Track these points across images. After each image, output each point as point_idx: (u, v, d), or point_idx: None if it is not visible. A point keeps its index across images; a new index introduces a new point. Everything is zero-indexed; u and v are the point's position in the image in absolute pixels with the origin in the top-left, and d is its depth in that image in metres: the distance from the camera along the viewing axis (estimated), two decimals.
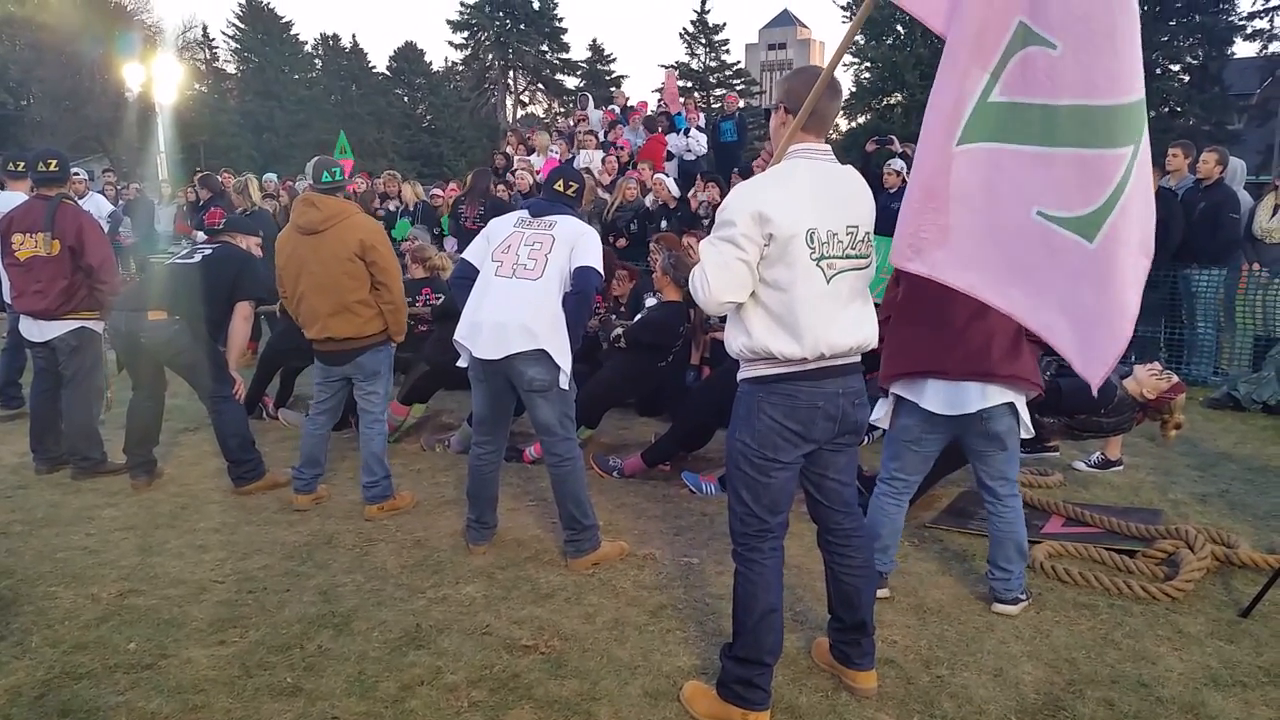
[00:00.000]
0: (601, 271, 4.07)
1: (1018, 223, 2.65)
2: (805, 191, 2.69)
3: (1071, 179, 2.57)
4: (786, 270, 2.65)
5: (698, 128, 12.50)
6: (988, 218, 2.71)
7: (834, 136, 3.00)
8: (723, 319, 2.95)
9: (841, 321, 2.71)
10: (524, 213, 4.19)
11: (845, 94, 36.84)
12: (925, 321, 3.46)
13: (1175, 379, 4.80)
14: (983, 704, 2.98)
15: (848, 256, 2.73)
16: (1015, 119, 2.64)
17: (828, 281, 2.67)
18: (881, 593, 3.65)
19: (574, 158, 11.64)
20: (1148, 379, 4.82)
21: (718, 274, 2.68)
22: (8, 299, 5.48)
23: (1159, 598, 3.71)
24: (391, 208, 10.84)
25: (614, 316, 6.55)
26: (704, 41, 55.31)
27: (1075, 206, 2.56)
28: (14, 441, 5.86)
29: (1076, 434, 5.11)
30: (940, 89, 2.76)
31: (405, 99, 52.58)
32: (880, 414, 3.83)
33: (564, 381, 3.94)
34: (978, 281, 2.77)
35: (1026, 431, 3.59)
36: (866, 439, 5.43)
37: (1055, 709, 2.95)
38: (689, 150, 12.05)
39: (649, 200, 9.92)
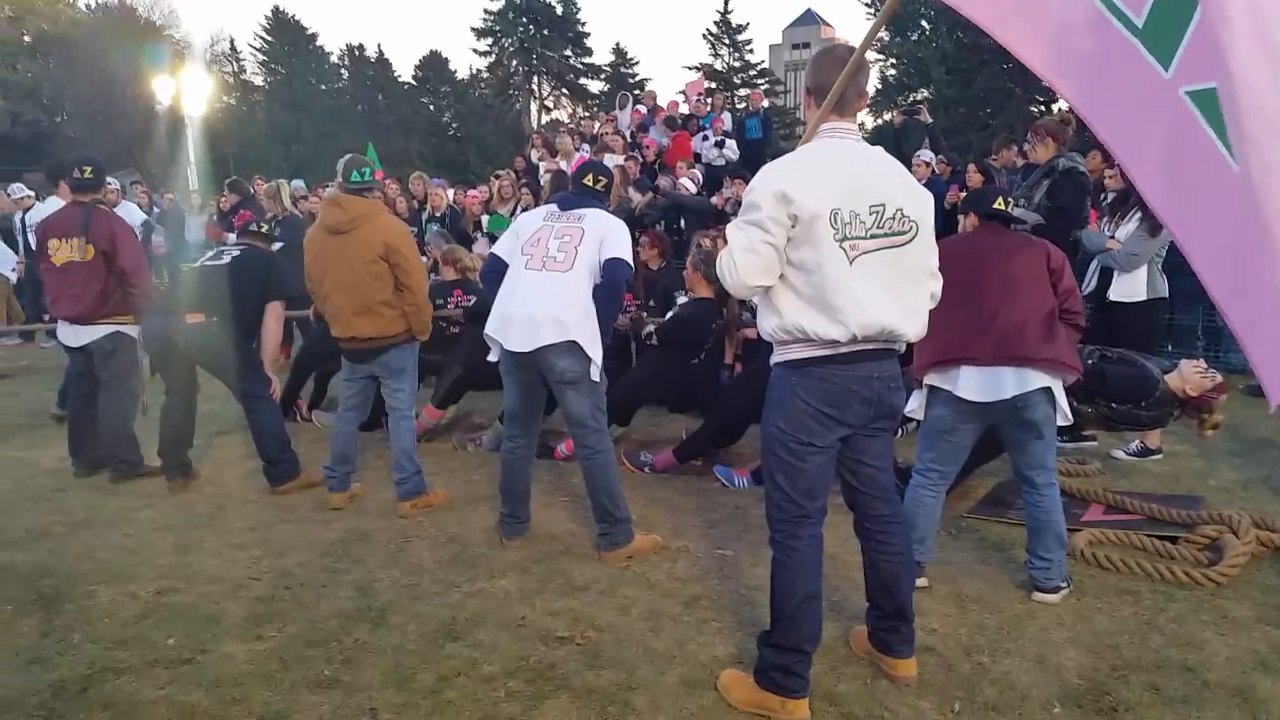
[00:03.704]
0: (631, 264, 4.06)
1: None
2: (829, 171, 2.65)
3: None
4: (813, 251, 2.61)
5: (726, 134, 12.41)
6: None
7: (860, 136, 2.91)
8: (754, 315, 2.92)
9: (875, 304, 2.63)
10: (553, 206, 4.19)
11: (871, 92, 36.65)
12: (956, 307, 3.36)
13: (1220, 379, 4.67)
14: (1025, 690, 2.93)
15: (873, 236, 2.64)
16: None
17: (850, 263, 2.61)
18: (920, 582, 3.61)
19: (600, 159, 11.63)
20: (1193, 376, 4.67)
21: (745, 258, 2.65)
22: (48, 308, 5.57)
23: (1203, 583, 3.65)
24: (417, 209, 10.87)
25: (645, 314, 6.54)
26: (727, 42, 55.21)
27: None
28: (53, 446, 5.94)
29: (1113, 425, 5.03)
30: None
31: (431, 107, 52.92)
32: (914, 405, 3.79)
33: (595, 373, 3.94)
34: None
35: (1064, 418, 3.53)
36: (901, 431, 5.38)
37: (1099, 694, 2.90)
38: (721, 158, 11.98)
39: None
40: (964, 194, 7.31)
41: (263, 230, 5.56)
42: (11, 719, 2.83)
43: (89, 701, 2.93)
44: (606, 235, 4.02)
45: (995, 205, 3.75)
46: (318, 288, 4.71)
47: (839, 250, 2.61)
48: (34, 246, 5.55)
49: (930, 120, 10.18)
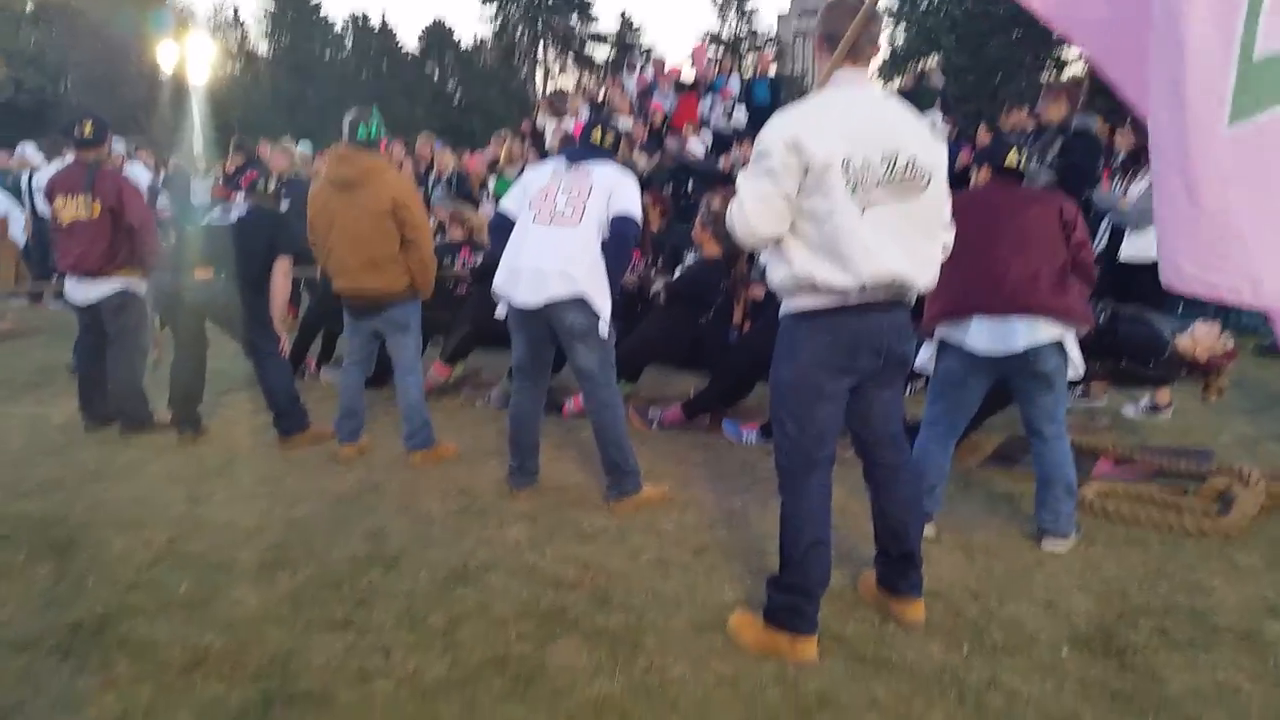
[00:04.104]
0: (640, 219, 4.04)
1: None
2: (841, 119, 2.62)
3: None
4: (824, 200, 2.59)
5: (735, 100, 12.29)
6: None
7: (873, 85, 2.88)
8: (763, 274, 2.90)
9: (885, 254, 2.61)
10: (561, 160, 4.16)
11: (881, 59, 36.29)
12: (968, 260, 3.34)
13: (1231, 346, 4.62)
14: (1033, 634, 2.95)
15: (885, 186, 2.61)
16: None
17: (862, 212, 2.59)
18: (928, 532, 3.62)
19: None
20: (1205, 339, 4.59)
21: (755, 207, 2.64)
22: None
23: (1212, 533, 3.65)
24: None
25: (653, 272, 6.52)
26: (735, 8, 54.66)
27: None
28: (63, 402, 5.95)
29: (1118, 381, 5.01)
30: (1164, 60, 2.46)
31: (435, 75, 52.58)
32: (924, 359, 3.79)
33: (603, 327, 3.93)
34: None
35: (1075, 371, 3.52)
36: (909, 390, 5.38)
37: (1107, 637, 2.92)
38: (730, 126, 11.87)
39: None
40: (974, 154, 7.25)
41: (270, 190, 5.55)
42: (30, 657, 2.86)
43: (105, 642, 2.96)
44: (615, 190, 3.99)
45: (1009, 158, 3.72)
46: (322, 242, 4.69)
47: (850, 199, 2.58)
48: (40, 208, 5.55)
49: (941, 84, 10.07)
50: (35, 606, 3.21)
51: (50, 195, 5.27)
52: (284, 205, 6.47)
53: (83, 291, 5.30)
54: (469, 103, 48.65)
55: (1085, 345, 3.66)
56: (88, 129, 5.26)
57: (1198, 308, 5.45)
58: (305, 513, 4.08)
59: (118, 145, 10.33)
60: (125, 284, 5.27)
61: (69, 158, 5.54)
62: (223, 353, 5.81)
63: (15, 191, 10.58)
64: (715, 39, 52.24)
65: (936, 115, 8.99)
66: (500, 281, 3.99)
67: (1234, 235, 2.46)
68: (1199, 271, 2.54)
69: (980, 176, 4.01)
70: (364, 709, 2.57)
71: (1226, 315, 7.43)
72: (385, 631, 2.99)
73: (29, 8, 39.92)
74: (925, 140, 2.74)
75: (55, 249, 5.44)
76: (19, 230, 10.19)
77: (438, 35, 52.50)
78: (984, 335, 3.47)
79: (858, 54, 2.76)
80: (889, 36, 40.48)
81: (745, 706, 2.57)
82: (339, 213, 4.56)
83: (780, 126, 2.64)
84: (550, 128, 11.43)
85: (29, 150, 11.41)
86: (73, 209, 5.17)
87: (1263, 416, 5.38)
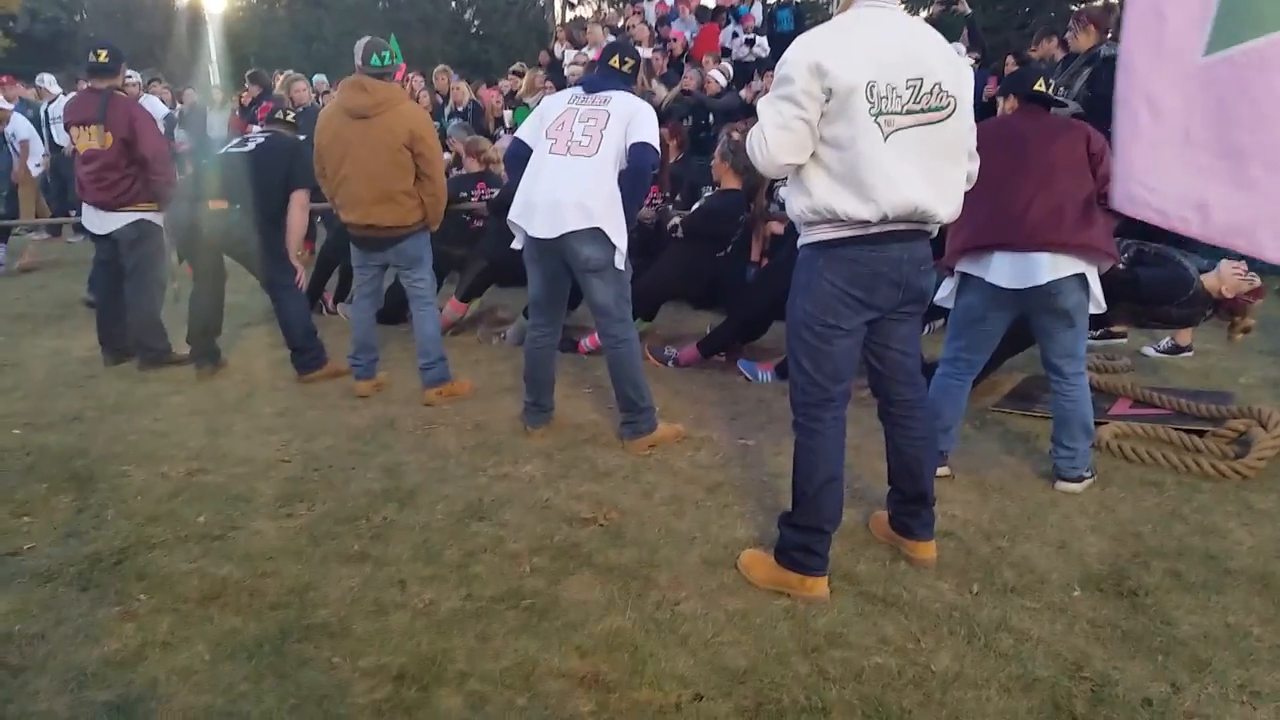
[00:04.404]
0: (658, 148, 3.97)
1: None
2: (865, 43, 2.54)
3: None
4: (848, 126, 2.53)
5: (756, 30, 12.04)
6: (1271, 128, 2.39)
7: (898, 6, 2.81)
8: (782, 207, 2.85)
9: (908, 182, 2.54)
10: (578, 89, 4.08)
11: None
12: (991, 191, 3.28)
13: (1258, 283, 4.52)
14: (1045, 574, 2.95)
15: (909, 112, 2.54)
16: (1251, 9, 2.35)
17: (885, 139, 2.52)
18: (942, 471, 3.61)
19: None
20: (1230, 278, 4.50)
21: (776, 134, 2.58)
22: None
23: (1229, 475, 3.63)
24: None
25: (670, 207, 6.45)
26: None
27: None
28: (83, 335, 6.00)
29: (1143, 322, 4.93)
30: None
31: (452, 4, 51.71)
32: (945, 294, 3.74)
33: (620, 261, 3.89)
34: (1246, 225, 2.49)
35: (1097, 306, 3.47)
36: (928, 328, 5.33)
37: (1120, 578, 2.92)
38: (751, 55, 11.64)
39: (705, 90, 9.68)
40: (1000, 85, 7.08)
41: (289, 119, 5.50)
42: (52, 588, 2.91)
43: (124, 573, 3.01)
44: (633, 119, 3.91)
45: (1036, 87, 3.62)
46: (333, 173, 4.60)
47: (874, 125, 2.52)
48: (58, 138, 5.51)
49: (969, 10, 9.82)
50: (56, 538, 3.27)
51: (66, 125, 5.26)
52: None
53: (100, 221, 5.29)
54: (486, 33, 47.88)
55: (1109, 286, 3.60)
56: (102, 55, 5.21)
57: (1225, 248, 5.34)
58: (323, 447, 4.11)
59: (132, 77, 10.25)
60: (141, 215, 5.25)
61: (84, 87, 5.50)
62: (241, 286, 5.83)
63: (35, 124, 10.55)
64: None
65: (960, 47, 8.76)
66: (516, 213, 3.95)
67: (1190, 163, 2.56)
68: (1150, 197, 2.67)
69: (1006, 106, 3.92)
70: (379, 640, 2.61)
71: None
72: (401, 565, 3.03)
73: None
74: (952, 64, 2.66)
75: (76, 177, 5.42)
76: (34, 162, 10.17)
77: None
78: (1006, 269, 3.41)
79: None
80: None
81: (755, 642, 2.59)
82: (352, 143, 4.50)
83: (803, 50, 2.56)
84: (569, 57, 11.26)
85: (47, 80, 11.36)
86: (86, 139, 5.14)
87: None
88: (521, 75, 11.25)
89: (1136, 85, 2.65)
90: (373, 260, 4.80)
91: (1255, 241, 2.52)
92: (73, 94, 5.74)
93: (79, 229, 7.78)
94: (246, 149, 5.08)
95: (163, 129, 8.78)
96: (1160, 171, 2.62)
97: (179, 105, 12.68)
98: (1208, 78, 2.47)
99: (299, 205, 5.07)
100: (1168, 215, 2.65)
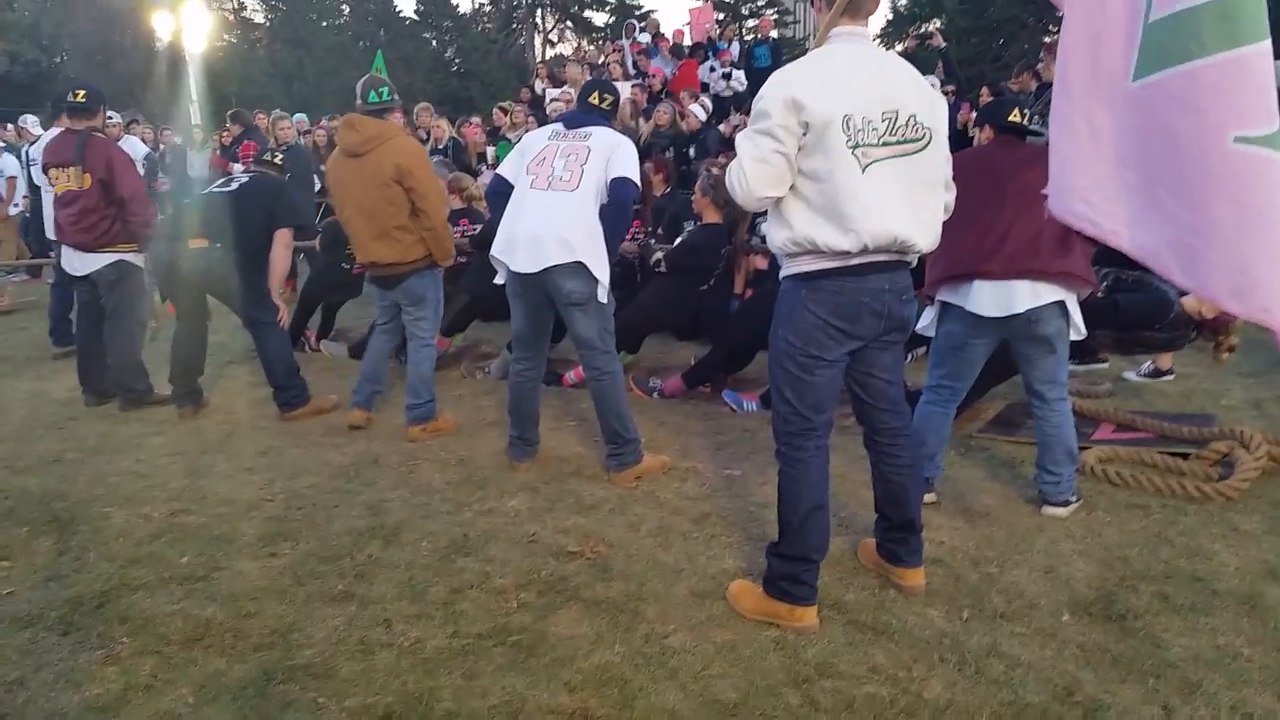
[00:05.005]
0: (639, 183, 4.00)
1: (1219, 155, 2.39)
2: (840, 76, 2.58)
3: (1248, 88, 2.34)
4: (825, 159, 2.56)
5: (733, 64, 12.19)
6: (1176, 157, 2.50)
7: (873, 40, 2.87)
8: (764, 241, 2.88)
9: (887, 213, 2.58)
10: (559, 125, 4.11)
11: (883, 22, 35.86)
12: (969, 221, 3.31)
13: None
14: (1034, 599, 2.95)
15: (885, 144, 2.58)
16: (1174, 37, 2.45)
17: (863, 171, 2.55)
18: (928, 498, 3.61)
19: None
20: (1203, 299, 4.58)
21: (755, 168, 2.60)
22: (51, 235, 5.53)
23: (1214, 497, 3.65)
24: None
25: (653, 241, 6.48)
26: None
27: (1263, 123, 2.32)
28: (63, 377, 5.95)
29: (1127, 348, 4.97)
30: (1083, 16, 2.66)
31: (433, 43, 52.08)
32: (926, 322, 3.76)
33: (602, 294, 3.90)
34: (1164, 241, 2.59)
35: (1077, 333, 3.50)
36: (910, 357, 5.36)
37: (1108, 602, 2.92)
38: (729, 90, 11.77)
39: (684, 126, 9.77)
40: (974, 114, 7.19)
41: (276, 160, 5.51)
42: (32, 633, 2.87)
43: (106, 615, 2.96)
44: (613, 154, 3.94)
45: (1011, 116, 3.67)
46: (340, 212, 4.70)
47: (851, 157, 2.55)
48: (37, 179, 5.51)
49: (944, 44, 9.96)
50: (37, 581, 3.22)
51: (45, 167, 5.23)
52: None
53: (78, 262, 5.26)
54: (467, 70, 48.19)
55: (1089, 313, 3.63)
56: (80, 95, 5.20)
57: None
58: (306, 485, 4.08)
59: (113, 118, 10.24)
60: (120, 257, 5.23)
61: (62, 128, 5.49)
62: (223, 325, 5.81)
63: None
64: (716, 2, 51.55)
65: (934, 79, 8.89)
66: (498, 248, 3.96)
67: (1119, 180, 2.70)
68: (1088, 210, 2.79)
69: (983, 136, 3.97)
70: (365, 680, 2.57)
71: None
72: (386, 603, 2.99)
73: None
74: (926, 97, 2.71)
75: (52, 218, 5.39)
76: (13, 205, 10.13)
77: (436, 2, 51.98)
78: (986, 297, 3.44)
79: (856, 9, 2.70)
80: (888, 1, 40.04)
81: (745, 674, 2.57)
82: (349, 182, 4.53)
83: (779, 85, 2.60)
84: (550, 94, 11.34)
85: (30, 120, 11.33)
86: (65, 180, 5.13)
87: (1265, 380, 5.35)
88: (507, 112, 11.30)
89: (1076, 105, 2.78)
90: (386, 298, 4.81)
91: (1164, 264, 2.62)
92: (50, 134, 5.72)
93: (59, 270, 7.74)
94: (230, 189, 5.09)
95: (143, 169, 8.78)
96: (1097, 187, 2.76)
97: (161, 145, 12.68)
98: (1134, 102, 2.59)
99: (282, 244, 5.07)
100: (1101, 228, 2.79)
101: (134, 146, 10.60)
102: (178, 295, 5.11)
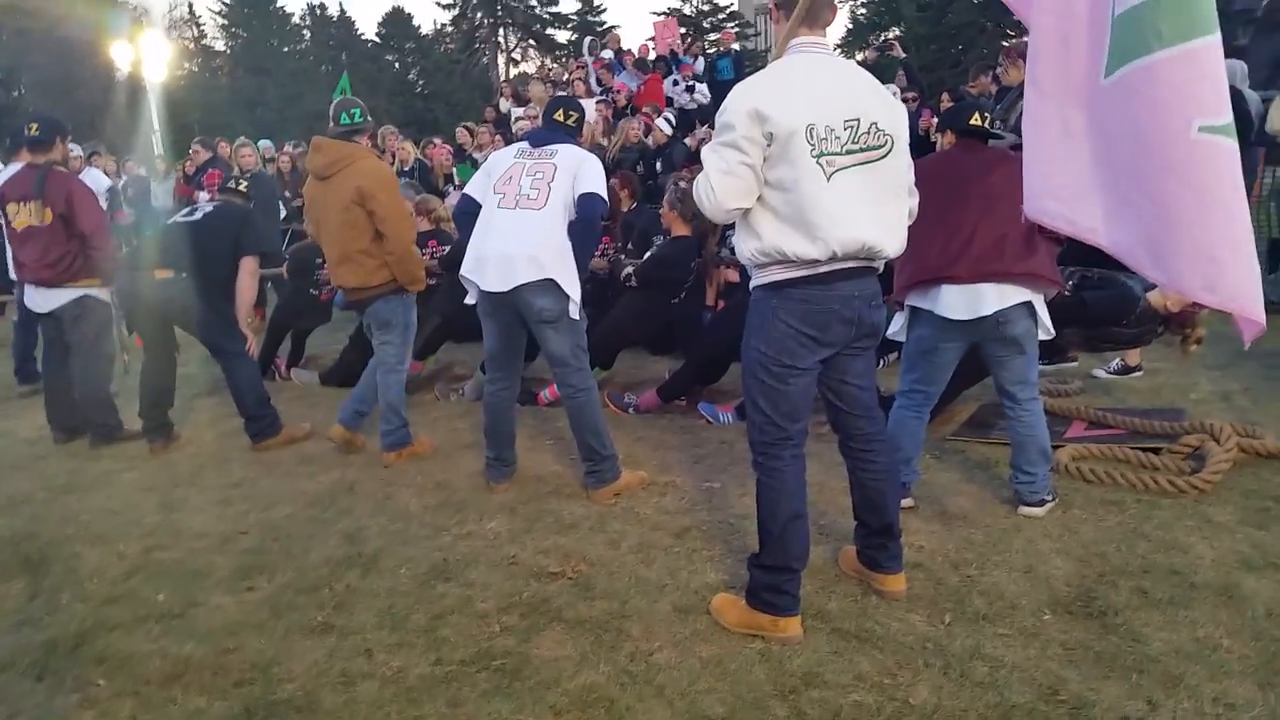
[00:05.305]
0: (606, 198, 4.00)
1: (1182, 146, 2.43)
2: (802, 86, 2.61)
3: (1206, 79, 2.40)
4: (790, 169, 2.58)
5: (697, 77, 12.26)
6: (1139, 149, 2.55)
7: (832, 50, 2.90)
8: (733, 252, 2.90)
9: (853, 220, 2.60)
10: (524, 143, 4.11)
11: (842, 31, 36.17)
12: (935, 225, 3.35)
13: None
14: (1015, 599, 2.96)
15: (849, 152, 2.60)
16: (1136, 29, 2.50)
17: (828, 179, 2.58)
18: (905, 503, 3.62)
19: None
20: (1174, 292, 4.64)
21: (722, 180, 2.62)
22: (13, 274, 5.45)
23: (1187, 490, 3.68)
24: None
25: (623, 256, 6.48)
26: None
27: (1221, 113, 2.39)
28: (29, 415, 5.87)
29: (1095, 345, 5.02)
30: (1054, 16, 2.72)
31: (396, 65, 51.99)
32: (896, 328, 3.79)
33: (574, 311, 3.89)
34: (1132, 237, 2.65)
35: (1046, 333, 3.53)
36: (882, 362, 5.38)
37: (1088, 599, 2.94)
38: (693, 102, 11.83)
39: (650, 140, 9.80)
40: (936, 119, 7.25)
41: (241, 188, 5.47)
42: (5, 679, 2.82)
43: (82, 658, 2.91)
44: (580, 171, 3.94)
45: (972, 120, 3.70)
46: (315, 236, 4.73)
47: (816, 166, 2.57)
48: None
49: (904, 54, 10.08)
50: (9, 625, 3.16)
51: (3, 202, 5.15)
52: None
53: (41, 300, 5.19)
54: (431, 91, 48.17)
55: (1057, 312, 3.66)
56: (33, 128, 5.11)
57: None
58: (281, 515, 4.04)
59: (75, 150, 10.12)
60: (84, 292, 5.15)
61: (20, 160, 5.42)
62: (192, 356, 5.75)
63: None
64: (679, 16, 51.88)
65: (895, 87, 8.97)
66: (468, 268, 3.94)
67: (1094, 178, 2.74)
68: (1063, 208, 2.83)
69: (945, 141, 4.00)
70: (348, 712, 2.54)
71: None
72: (367, 633, 2.96)
73: None
74: (887, 104, 2.74)
75: (12, 255, 5.32)
76: None
77: (398, 23, 51.92)
78: (954, 302, 3.46)
79: (815, 18, 2.73)
80: (848, 9, 40.45)
81: (732, 688, 2.56)
82: (317, 205, 4.55)
83: (742, 96, 2.62)
84: (516, 113, 11.35)
85: None
86: (25, 215, 5.05)
87: (1231, 371, 5.42)
88: (472, 133, 11.29)
89: (1050, 105, 2.81)
90: (367, 320, 4.76)
91: (1136, 259, 2.66)
92: (11, 170, 5.64)
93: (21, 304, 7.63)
94: (194, 218, 5.04)
95: (106, 202, 8.67)
96: (1072, 185, 2.80)
97: (123, 176, 12.56)
98: (1107, 99, 2.63)
99: (248, 272, 5.03)
100: (1077, 225, 2.82)
101: (96, 179, 10.47)
102: (143, 327, 5.06)
